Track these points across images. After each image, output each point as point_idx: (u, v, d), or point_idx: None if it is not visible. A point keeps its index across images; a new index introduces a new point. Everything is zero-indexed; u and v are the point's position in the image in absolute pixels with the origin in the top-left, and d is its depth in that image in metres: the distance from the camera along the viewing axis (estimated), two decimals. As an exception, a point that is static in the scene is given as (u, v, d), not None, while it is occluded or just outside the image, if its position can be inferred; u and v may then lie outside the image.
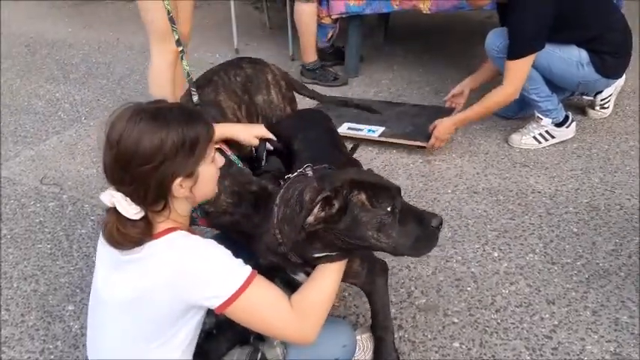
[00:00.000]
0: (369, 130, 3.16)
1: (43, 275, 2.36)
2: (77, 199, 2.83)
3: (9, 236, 2.59)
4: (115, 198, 1.33)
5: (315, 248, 1.45)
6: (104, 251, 1.44)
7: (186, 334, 1.44)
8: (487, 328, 2.01)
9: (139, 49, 4.58)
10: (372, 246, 1.41)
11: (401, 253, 1.43)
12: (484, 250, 2.37)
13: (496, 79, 3.10)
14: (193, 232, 1.45)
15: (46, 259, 2.45)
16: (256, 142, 1.97)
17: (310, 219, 1.36)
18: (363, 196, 1.38)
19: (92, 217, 2.70)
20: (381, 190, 1.41)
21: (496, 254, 2.35)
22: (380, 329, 1.83)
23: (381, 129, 3.16)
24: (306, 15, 3.74)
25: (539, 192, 2.71)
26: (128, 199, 1.33)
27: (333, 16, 3.67)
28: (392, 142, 3.11)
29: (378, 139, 3.11)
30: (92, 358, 1.54)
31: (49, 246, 2.53)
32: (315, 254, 1.46)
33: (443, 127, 2.94)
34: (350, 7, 3.61)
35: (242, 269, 1.38)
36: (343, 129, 3.19)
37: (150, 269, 1.35)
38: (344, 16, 3.67)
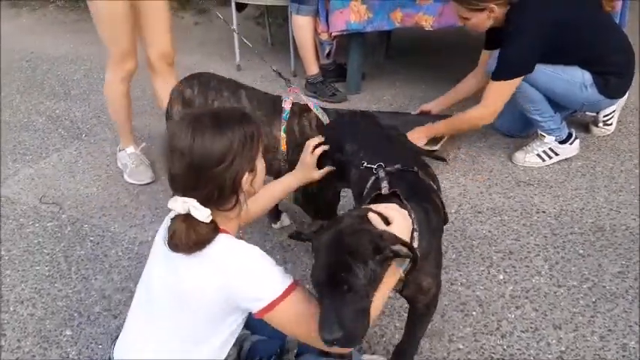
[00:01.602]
0: None
1: (40, 298, 2.32)
2: (76, 219, 2.80)
3: (7, 257, 2.56)
4: (188, 203, 1.39)
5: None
6: (159, 250, 1.50)
7: (226, 338, 1.50)
8: (493, 355, 1.97)
9: (141, 66, 4.57)
10: None
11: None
12: (489, 273, 2.34)
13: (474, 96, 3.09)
14: (241, 238, 1.51)
15: (44, 281, 2.41)
16: (320, 172, 2.02)
17: None
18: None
19: (91, 238, 2.66)
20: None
21: (501, 277, 2.31)
22: (406, 357, 1.82)
23: None
24: (303, 28, 3.74)
25: (543, 212, 2.68)
26: (199, 203, 1.39)
27: (334, 34, 3.66)
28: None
29: None
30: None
31: (47, 268, 2.49)
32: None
33: (412, 136, 2.82)
34: (351, 25, 3.59)
35: (285, 277, 1.45)
36: None
37: (203, 268, 1.41)
38: (344, 33, 3.65)
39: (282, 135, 2.26)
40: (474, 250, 2.46)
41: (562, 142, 3.00)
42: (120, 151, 3.16)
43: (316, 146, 2.00)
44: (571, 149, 3.02)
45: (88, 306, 2.28)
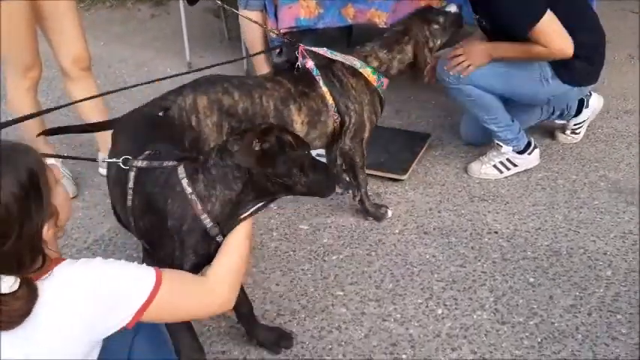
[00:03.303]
0: None
1: None
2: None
3: None
4: None
5: (246, 203, 1.52)
6: None
7: None
8: (418, 410, 1.74)
9: (124, 61, 4.35)
10: (292, 185, 1.55)
11: (312, 192, 1.64)
12: (427, 306, 2.10)
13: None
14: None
15: None
16: None
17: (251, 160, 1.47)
18: (289, 137, 1.55)
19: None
20: (297, 136, 1.62)
21: (440, 311, 2.08)
22: None
23: None
24: (251, 24, 3.46)
25: (495, 232, 2.44)
26: None
27: (282, 30, 3.38)
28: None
29: None
30: None
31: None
32: (242, 213, 1.52)
33: (478, 51, 2.50)
34: (300, 21, 3.32)
35: (145, 272, 1.27)
36: (313, 154, 2.91)
37: (39, 322, 1.12)
38: (294, 30, 3.38)
39: (325, 89, 2.29)
40: (414, 279, 2.22)
41: (520, 152, 2.75)
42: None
43: None
44: (530, 159, 2.77)
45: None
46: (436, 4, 2.88)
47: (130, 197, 1.61)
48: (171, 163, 1.56)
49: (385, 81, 2.42)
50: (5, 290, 1.08)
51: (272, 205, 2.59)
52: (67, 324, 1.15)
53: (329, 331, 2.01)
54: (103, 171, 2.72)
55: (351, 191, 2.56)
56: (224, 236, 1.52)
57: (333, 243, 2.41)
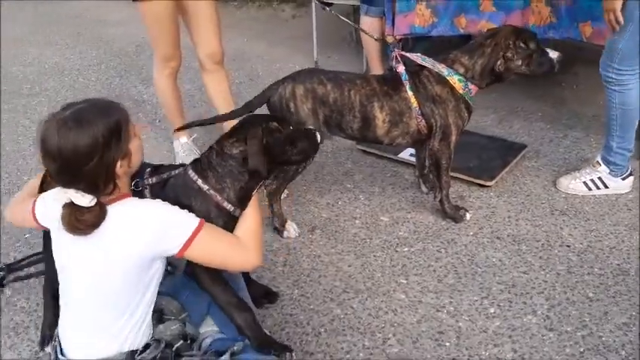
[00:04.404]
0: None
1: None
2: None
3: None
4: (68, 194, 1.56)
5: (255, 185, 1.83)
6: (63, 239, 1.62)
7: (153, 291, 1.70)
8: (446, 391, 1.92)
9: (261, 57, 4.84)
10: (288, 159, 1.89)
11: (305, 156, 1.96)
12: (481, 304, 2.25)
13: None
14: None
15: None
16: None
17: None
18: (274, 123, 1.84)
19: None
20: (277, 117, 1.98)
21: (492, 310, 2.22)
22: None
23: None
24: (367, 29, 3.72)
25: (568, 246, 2.50)
26: (80, 192, 1.55)
27: (397, 37, 3.61)
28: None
29: None
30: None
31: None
32: (252, 192, 1.84)
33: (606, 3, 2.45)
34: (415, 28, 3.53)
35: (192, 217, 1.67)
36: (405, 155, 3.15)
37: (112, 234, 1.58)
38: (409, 37, 3.60)
39: (410, 93, 2.49)
40: (476, 278, 2.37)
41: (615, 175, 2.75)
42: (174, 140, 3.39)
43: None
44: (622, 185, 2.77)
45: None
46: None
47: None
48: (178, 170, 1.85)
49: (474, 88, 2.53)
50: (85, 204, 1.54)
51: (360, 196, 2.90)
52: (126, 239, 1.58)
53: (385, 312, 2.23)
54: None
55: (433, 192, 2.75)
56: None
57: (408, 236, 2.62)
